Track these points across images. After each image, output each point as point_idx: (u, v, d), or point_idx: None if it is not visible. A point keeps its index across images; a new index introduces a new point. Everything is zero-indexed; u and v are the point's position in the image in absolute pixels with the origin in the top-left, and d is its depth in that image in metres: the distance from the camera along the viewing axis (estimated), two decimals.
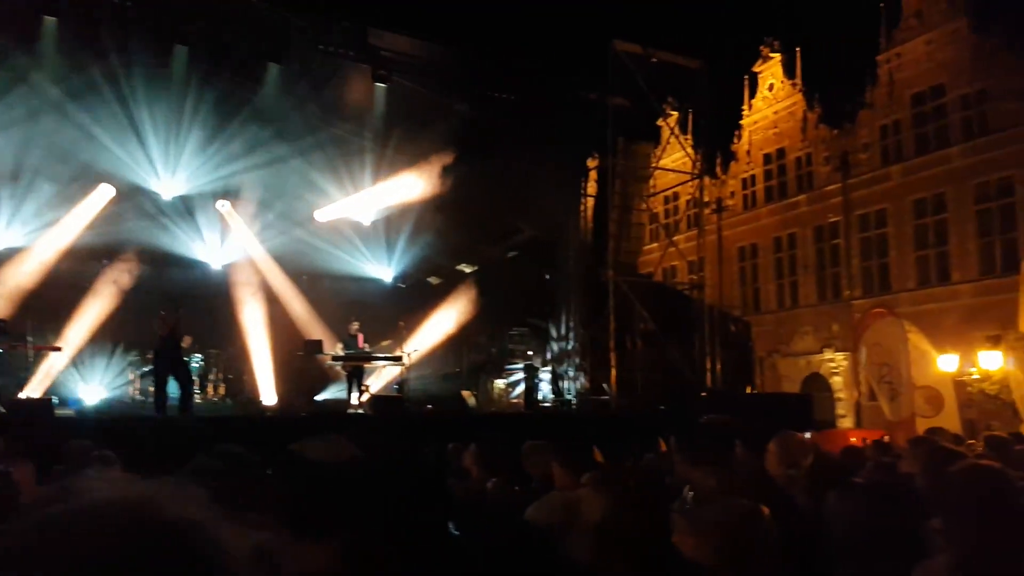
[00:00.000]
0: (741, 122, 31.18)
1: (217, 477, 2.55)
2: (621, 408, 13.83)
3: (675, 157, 24.36)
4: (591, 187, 16.50)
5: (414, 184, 15.72)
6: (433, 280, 19.70)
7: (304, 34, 14.27)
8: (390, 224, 17.91)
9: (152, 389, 12.09)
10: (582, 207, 16.09)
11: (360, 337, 13.76)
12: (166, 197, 15.99)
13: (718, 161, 31.29)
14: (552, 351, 15.93)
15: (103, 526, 0.72)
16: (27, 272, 14.54)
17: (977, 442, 6.58)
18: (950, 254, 23.61)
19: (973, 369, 18.46)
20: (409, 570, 2.09)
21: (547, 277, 16.46)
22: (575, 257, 15.21)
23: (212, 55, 14.13)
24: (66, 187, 14.80)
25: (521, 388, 15.29)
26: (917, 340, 12.85)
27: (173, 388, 11.29)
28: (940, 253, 23.93)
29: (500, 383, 16.13)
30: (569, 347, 15.01)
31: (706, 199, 18.67)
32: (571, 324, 14.95)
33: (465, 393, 14.32)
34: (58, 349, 13.91)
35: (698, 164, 17.79)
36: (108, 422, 10.08)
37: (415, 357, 13.89)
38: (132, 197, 15.58)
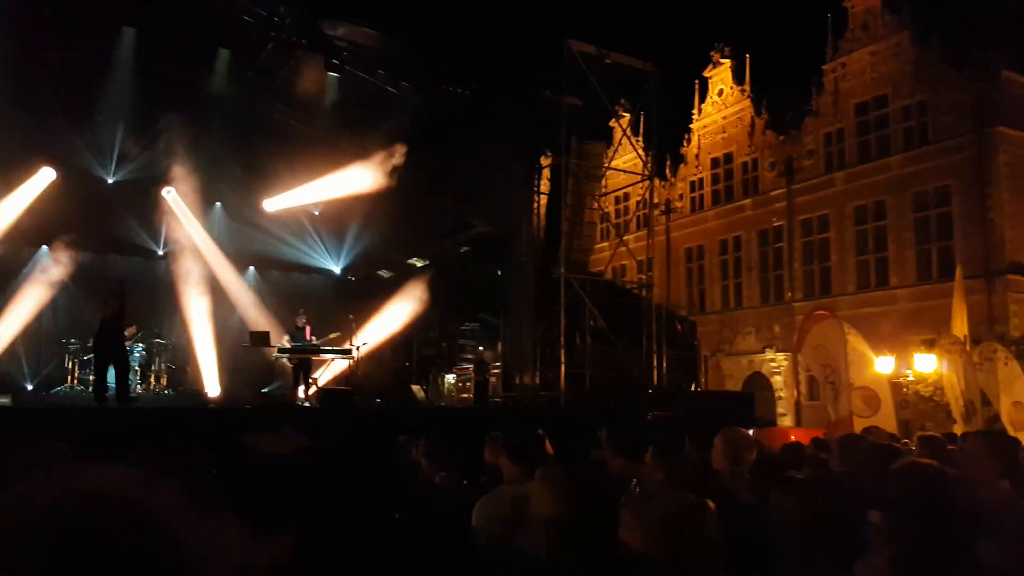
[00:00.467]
0: (691, 126, 31.66)
1: (167, 471, 2.51)
2: (570, 404, 13.93)
3: (627, 158, 24.61)
4: (544, 184, 16.54)
5: (365, 176, 15.55)
6: (384, 273, 19.53)
7: (256, 20, 14.03)
8: (340, 216, 17.71)
9: (92, 378, 11.75)
10: (535, 204, 16.14)
11: (308, 329, 13.59)
12: (110, 182, 15.59)
13: (668, 164, 31.74)
14: (503, 346, 15.95)
15: (68, 518, 0.71)
16: None
17: (911, 442, 6.80)
18: (889, 260, 24.38)
19: (909, 371, 19.10)
20: (360, 561, 2.10)
21: (499, 273, 16.46)
22: (527, 254, 15.24)
23: (161, 38, 13.81)
24: (6, 170, 14.31)
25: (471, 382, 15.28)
26: (856, 342, 13.20)
27: (112, 376, 10.96)
28: (879, 259, 24.69)
29: (450, 378, 16.10)
30: (520, 343, 15.07)
31: (655, 201, 18.88)
32: (522, 320, 14.99)
33: (415, 387, 14.26)
34: None
35: (649, 166, 17.99)
36: (47, 412, 9.79)
37: (364, 351, 13.78)
38: (74, 181, 15.14)
